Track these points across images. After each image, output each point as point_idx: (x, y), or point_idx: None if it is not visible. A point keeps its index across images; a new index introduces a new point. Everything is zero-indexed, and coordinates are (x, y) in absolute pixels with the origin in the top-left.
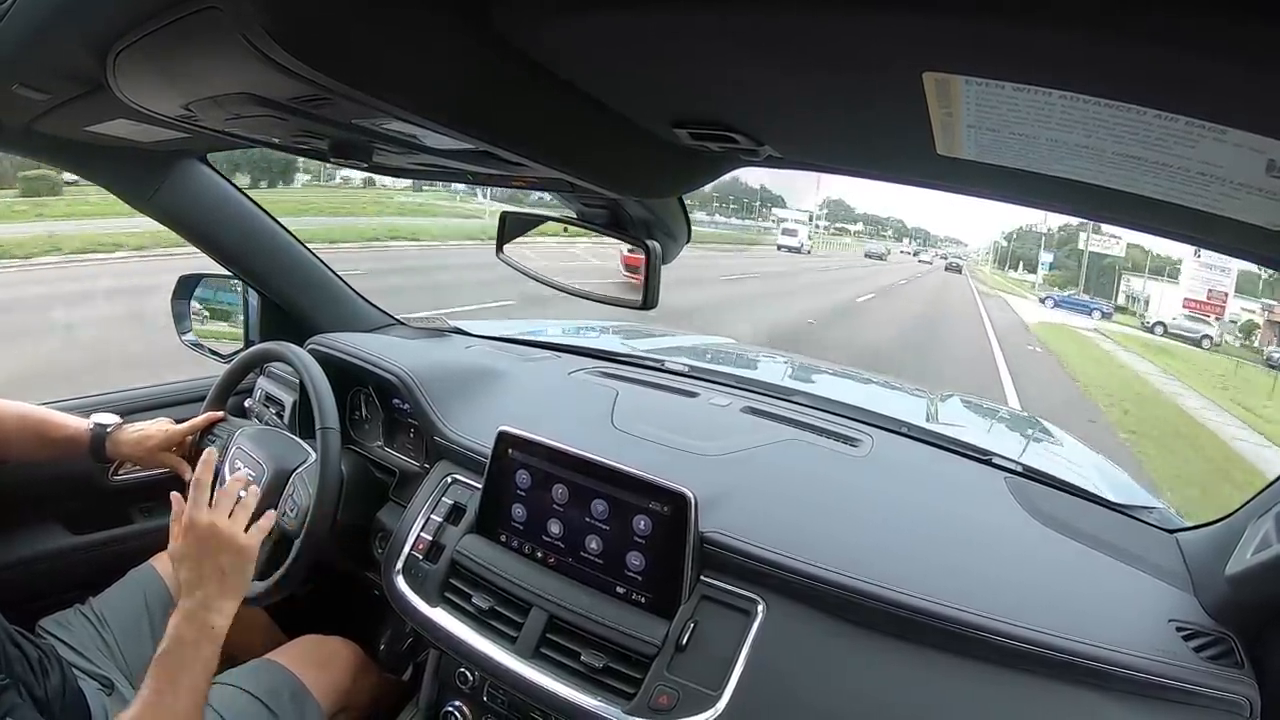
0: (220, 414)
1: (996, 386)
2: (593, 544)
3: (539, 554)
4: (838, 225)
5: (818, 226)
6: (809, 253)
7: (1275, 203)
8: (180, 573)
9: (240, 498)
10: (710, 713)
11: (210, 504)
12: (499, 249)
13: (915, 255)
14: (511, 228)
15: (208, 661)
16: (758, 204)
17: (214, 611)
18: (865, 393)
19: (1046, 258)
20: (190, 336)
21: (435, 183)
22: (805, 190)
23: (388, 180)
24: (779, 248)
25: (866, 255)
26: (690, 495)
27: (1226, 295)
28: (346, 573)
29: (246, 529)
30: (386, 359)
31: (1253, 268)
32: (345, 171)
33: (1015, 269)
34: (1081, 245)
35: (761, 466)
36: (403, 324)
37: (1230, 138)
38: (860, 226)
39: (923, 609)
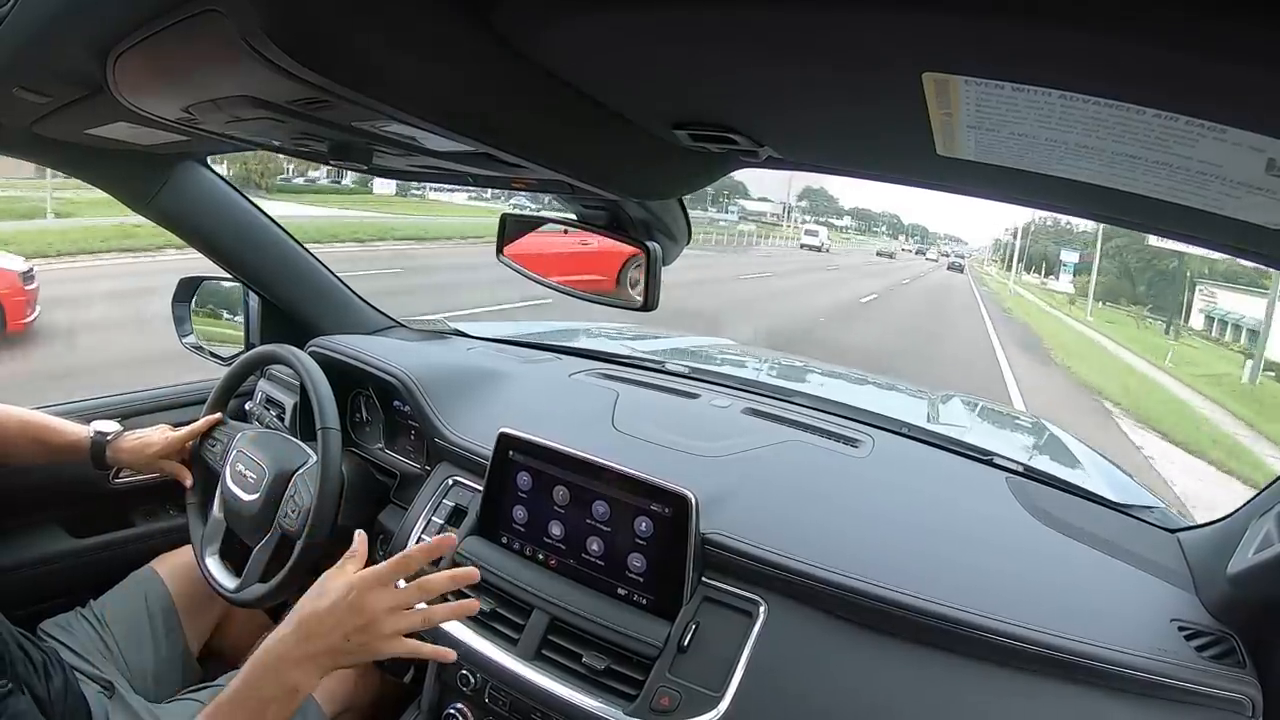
0: (220, 417)
1: None
2: (594, 545)
3: (540, 556)
4: (819, 220)
5: (790, 219)
6: (828, 250)
7: (1275, 201)
8: (308, 605)
9: (426, 604)
10: (712, 714)
11: (395, 585)
12: (499, 251)
13: (921, 254)
14: (511, 230)
15: None
16: (709, 191)
17: (304, 671)
18: (865, 394)
19: (1070, 257)
20: (191, 339)
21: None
22: (773, 178)
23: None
24: (801, 246)
25: (877, 254)
26: (691, 496)
27: None
28: None
29: (407, 634)
30: (387, 361)
31: None
32: None
33: (1029, 271)
34: (1154, 240)
35: (762, 467)
36: (403, 326)
37: (1230, 137)
38: (849, 221)
39: (924, 609)
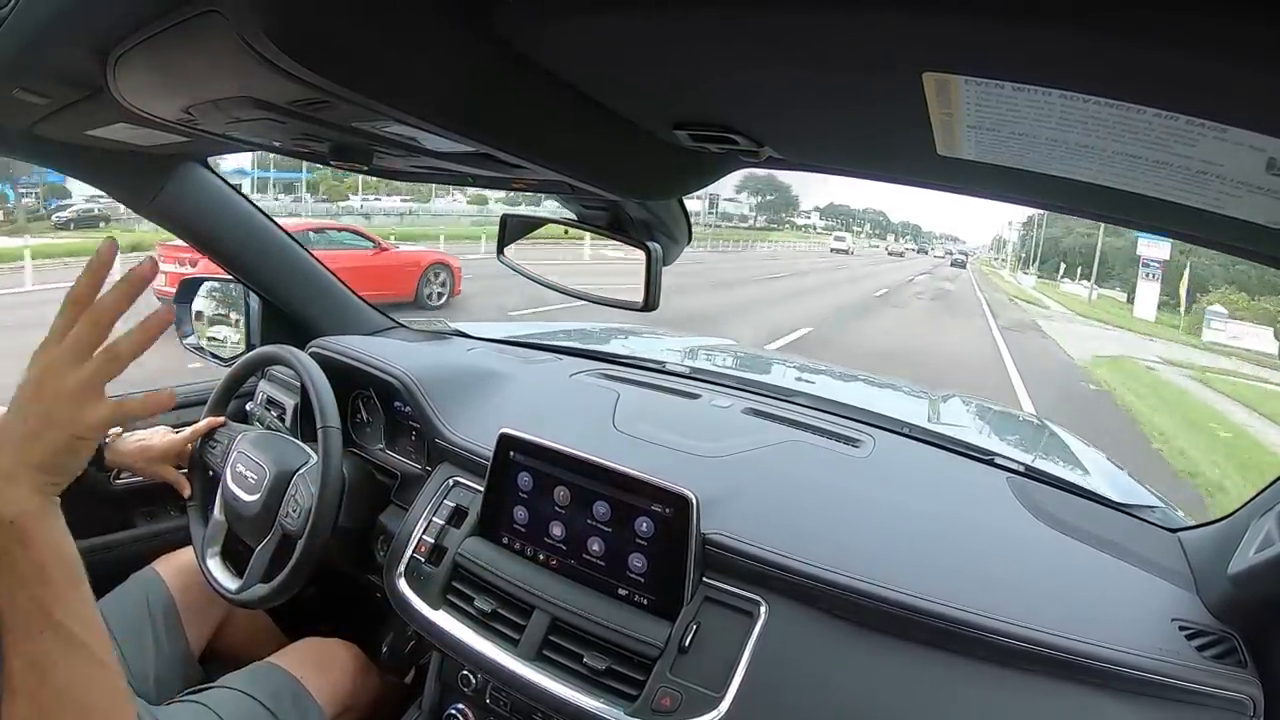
0: (220, 419)
1: None
2: (595, 546)
3: (541, 556)
4: (773, 219)
5: (713, 220)
6: (853, 253)
7: (1275, 201)
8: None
9: (113, 345)
10: (713, 714)
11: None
12: (499, 251)
13: (924, 252)
14: (512, 230)
15: (29, 576)
16: None
17: (5, 490)
18: (866, 393)
19: (1155, 251)
20: (191, 340)
21: None
22: None
23: None
24: (831, 250)
25: (889, 253)
26: (692, 497)
27: None
28: (348, 575)
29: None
30: (388, 362)
31: None
32: None
33: (1072, 277)
34: None
35: (763, 468)
36: (404, 327)
37: (1230, 136)
38: (816, 220)
39: (925, 609)
